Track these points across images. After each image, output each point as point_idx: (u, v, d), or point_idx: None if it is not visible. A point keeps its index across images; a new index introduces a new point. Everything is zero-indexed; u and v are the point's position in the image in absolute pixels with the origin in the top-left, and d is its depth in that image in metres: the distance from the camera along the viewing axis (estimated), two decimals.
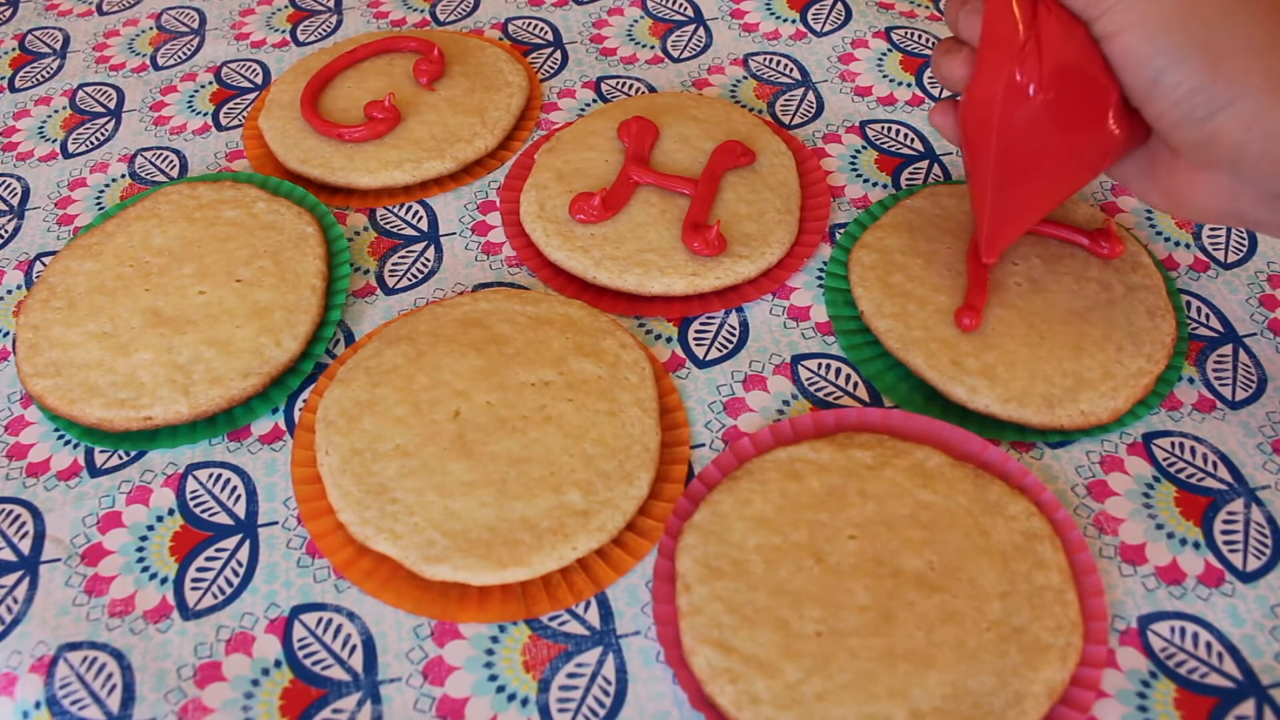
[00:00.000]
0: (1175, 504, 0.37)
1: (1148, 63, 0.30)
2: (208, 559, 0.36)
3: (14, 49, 0.59)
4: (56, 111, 0.55)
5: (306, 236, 0.44)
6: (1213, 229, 0.45)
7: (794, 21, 0.57)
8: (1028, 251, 0.42)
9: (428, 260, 0.46)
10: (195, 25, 0.60)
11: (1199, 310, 0.42)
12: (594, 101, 0.53)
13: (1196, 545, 0.35)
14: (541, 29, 0.58)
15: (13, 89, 0.56)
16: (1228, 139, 0.30)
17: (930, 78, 0.53)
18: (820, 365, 0.41)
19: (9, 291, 0.46)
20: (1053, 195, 0.36)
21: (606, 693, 0.33)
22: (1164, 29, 0.30)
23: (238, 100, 0.54)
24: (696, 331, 0.43)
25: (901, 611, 0.32)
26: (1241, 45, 0.30)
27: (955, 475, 0.35)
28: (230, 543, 0.37)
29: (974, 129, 0.35)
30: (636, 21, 0.58)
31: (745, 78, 0.54)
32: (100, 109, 0.54)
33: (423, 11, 0.59)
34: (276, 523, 0.37)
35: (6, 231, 0.49)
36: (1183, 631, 0.33)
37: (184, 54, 0.58)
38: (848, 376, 0.41)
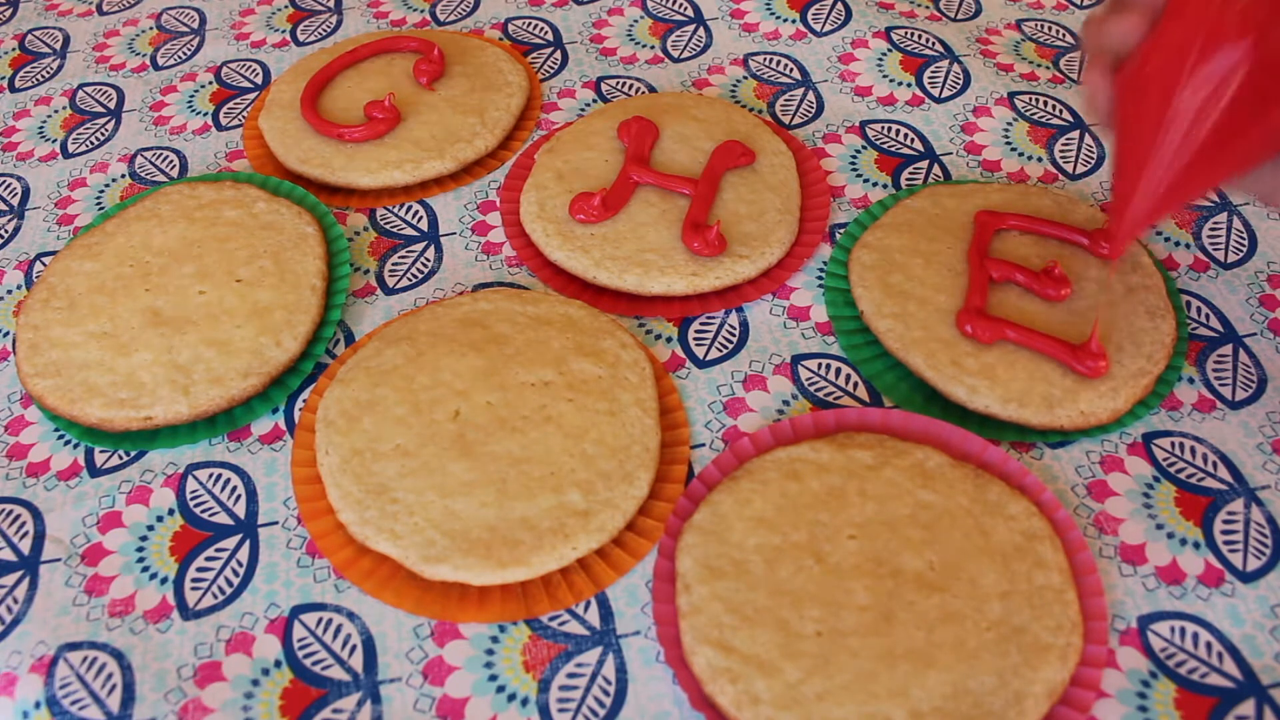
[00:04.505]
0: (1175, 504, 0.36)
1: None
2: (208, 559, 0.36)
3: (14, 49, 0.59)
4: (56, 111, 0.55)
5: (306, 236, 0.44)
6: (1213, 228, 0.45)
7: (794, 21, 0.57)
8: (1027, 252, 0.42)
9: (428, 260, 0.46)
10: (195, 25, 0.60)
11: (1199, 310, 0.42)
12: (594, 101, 0.53)
13: (1196, 545, 0.35)
14: (541, 29, 0.58)
15: (13, 89, 0.56)
16: None
17: (932, 76, 0.53)
18: (820, 365, 0.41)
19: (9, 291, 0.46)
20: (1206, 182, 0.31)
21: (606, 693, 0.33)
22: None
23: (238, 100, 0.54)
24: (696, 331, 0.43)
25: (901, 611, 0.32)
26: None
27: (955, 475, 0.35)
28: (230, 543, 0.37)
29: (1150, 93, 0.30)
30: (636, 21, 0.58)
31: (745, 78, 0.54)
32: (100, 109, 0.54)
33: (423, 11, 0.59)
34: (276, 523, 0.37)
35: (6, 231, 0.49)
36: (1183, 631, 0.33)
37: (184, 54, 0.58)
38: (848, 376, 0.41)
